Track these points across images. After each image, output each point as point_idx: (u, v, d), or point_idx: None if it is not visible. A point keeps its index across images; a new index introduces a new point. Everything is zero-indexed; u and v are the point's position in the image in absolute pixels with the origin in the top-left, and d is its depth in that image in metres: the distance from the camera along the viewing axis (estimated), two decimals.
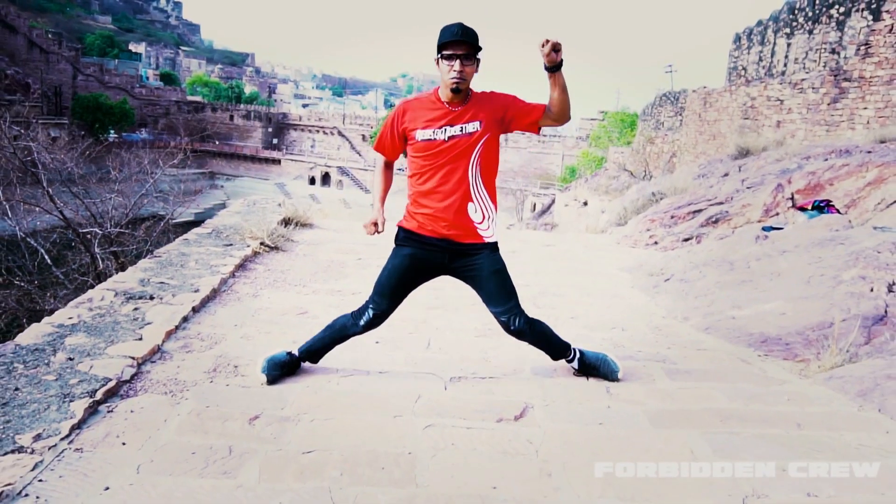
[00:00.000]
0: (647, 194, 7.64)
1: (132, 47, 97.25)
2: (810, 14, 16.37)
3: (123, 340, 2.79)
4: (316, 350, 2.70)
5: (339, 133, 64.83)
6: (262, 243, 4.90)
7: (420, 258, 2.53)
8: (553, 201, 29.60)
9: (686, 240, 6.01)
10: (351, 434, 2.20)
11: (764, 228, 5.03)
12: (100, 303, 3.26)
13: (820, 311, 3.43)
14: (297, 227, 5.96)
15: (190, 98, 73.08)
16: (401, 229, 2.59)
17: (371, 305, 2.58)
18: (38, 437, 1.96)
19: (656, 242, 6.10)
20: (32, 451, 1.89)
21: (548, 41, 2.28)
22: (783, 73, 17.37)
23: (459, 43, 2.35)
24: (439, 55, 2.39)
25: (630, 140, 37.13)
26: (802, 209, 5.05)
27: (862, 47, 12.75)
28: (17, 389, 2.26)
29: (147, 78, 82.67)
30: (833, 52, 15.36)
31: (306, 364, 2.75)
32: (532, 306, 4.01)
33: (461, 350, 3.15)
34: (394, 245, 2.61)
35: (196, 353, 2.85)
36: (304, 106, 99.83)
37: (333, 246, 5.40)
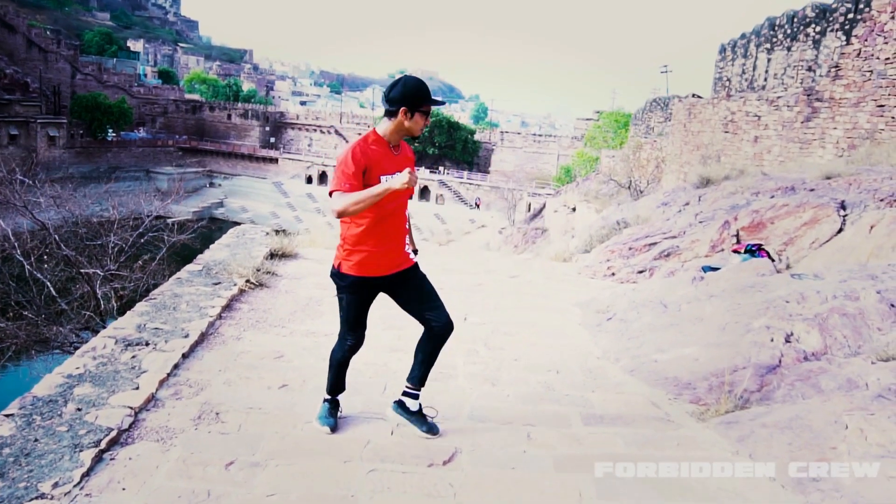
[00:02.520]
0: (612, 223, 8.15)
1: (130, 44, 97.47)
2: (789, 31, 16.87)
3: (123, 390, 3.30)
4: (334, 385, 3.18)
5: (336, 132, 65.28)
6: (247, 281, 5.41)
7: (368, 291, 3.02)
8: (545, 205, 30.12)
9: (640, 272, 6.53)
10: (307, 478, 2.71)
11: (703, 268, 5.54)
12: (102, 351, 3.77)
13: (727, 358, 3.95)
14: (281, 259, 6.48)
15: (188, 97, 73.48)
16: (347, 277, 2.94)
17: (347, 338, 3.08)
18: (55, 485, 2.48)
19: (613, 274, 6.62)
20: (52, 498, 2.41)
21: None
22: (763, 88, 17.87)
23: (434, 102, 2.83)
24: (417, 110, 2.79)
25: (624, 141, 37.66)
26: (736, 252, 5.57)
27: (832, 69, 13.26)
28: (36, 441, 2.77)
29: (145, 75, 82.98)
30: (809, 69, 15.87)
31: (278, 411, 3.28)
32: (483, 347, 4.54)
33: None
34: (342, 286, 2.98)
35: (184, 399, 3.36)
36: (302, 103, 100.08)
37: (313, 280, 5.91)
